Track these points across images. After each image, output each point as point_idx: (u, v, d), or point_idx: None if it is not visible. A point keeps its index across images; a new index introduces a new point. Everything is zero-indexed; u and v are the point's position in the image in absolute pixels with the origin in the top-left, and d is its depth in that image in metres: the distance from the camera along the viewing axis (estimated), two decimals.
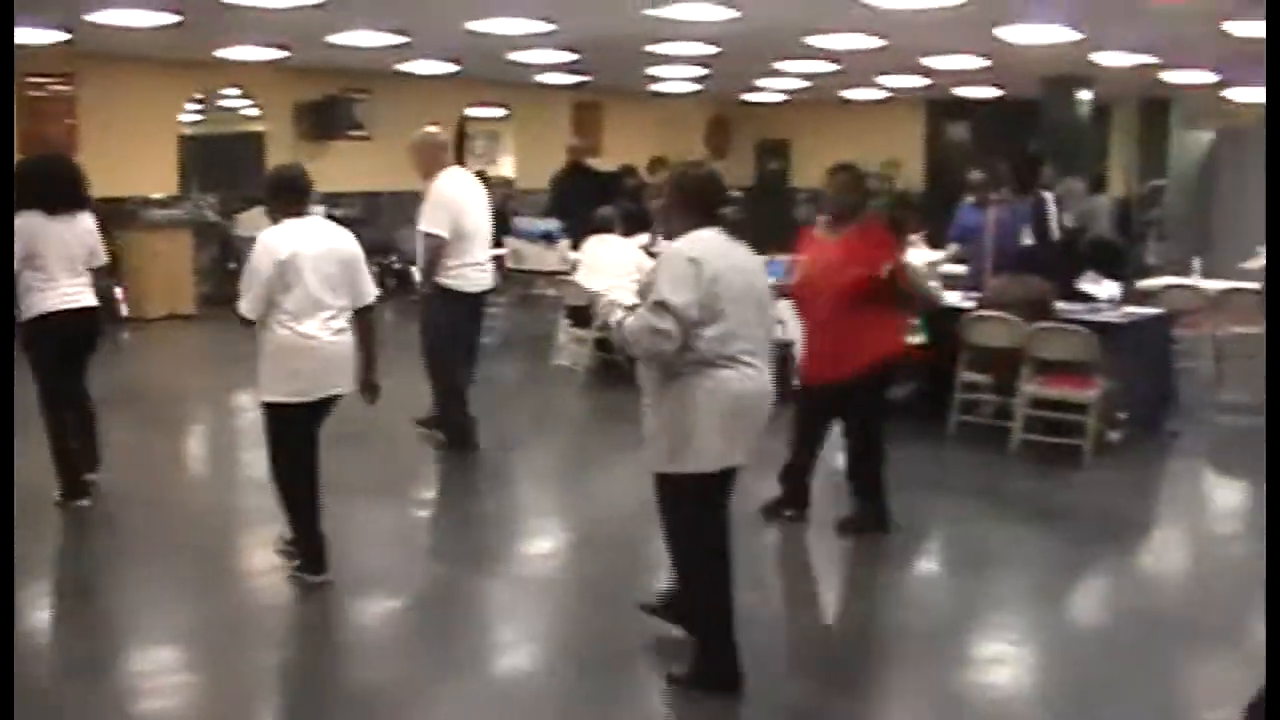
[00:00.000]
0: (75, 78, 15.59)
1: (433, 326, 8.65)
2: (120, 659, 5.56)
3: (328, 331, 6.02)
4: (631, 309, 4.80)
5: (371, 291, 6.27)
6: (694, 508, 4.92)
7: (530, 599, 6.22)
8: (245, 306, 5.98)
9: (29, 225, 7.04)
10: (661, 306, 4.64)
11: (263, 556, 6.59)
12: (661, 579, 5.63)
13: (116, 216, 15.64)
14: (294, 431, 6.11)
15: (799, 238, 7.40)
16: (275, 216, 6.16)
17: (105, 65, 15.39)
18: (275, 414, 6.08)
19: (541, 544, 7.27)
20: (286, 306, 5.93)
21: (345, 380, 6.16)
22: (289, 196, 6.16)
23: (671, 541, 5.03)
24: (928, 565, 7.19)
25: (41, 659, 5.52)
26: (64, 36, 13.28)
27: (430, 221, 8.41)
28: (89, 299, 7.34)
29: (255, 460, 7.04)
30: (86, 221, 7.42)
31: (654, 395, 4.88)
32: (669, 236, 5.08)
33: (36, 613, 6.11)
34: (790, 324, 7.58)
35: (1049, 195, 10.37)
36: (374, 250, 9.09)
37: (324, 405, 6.14)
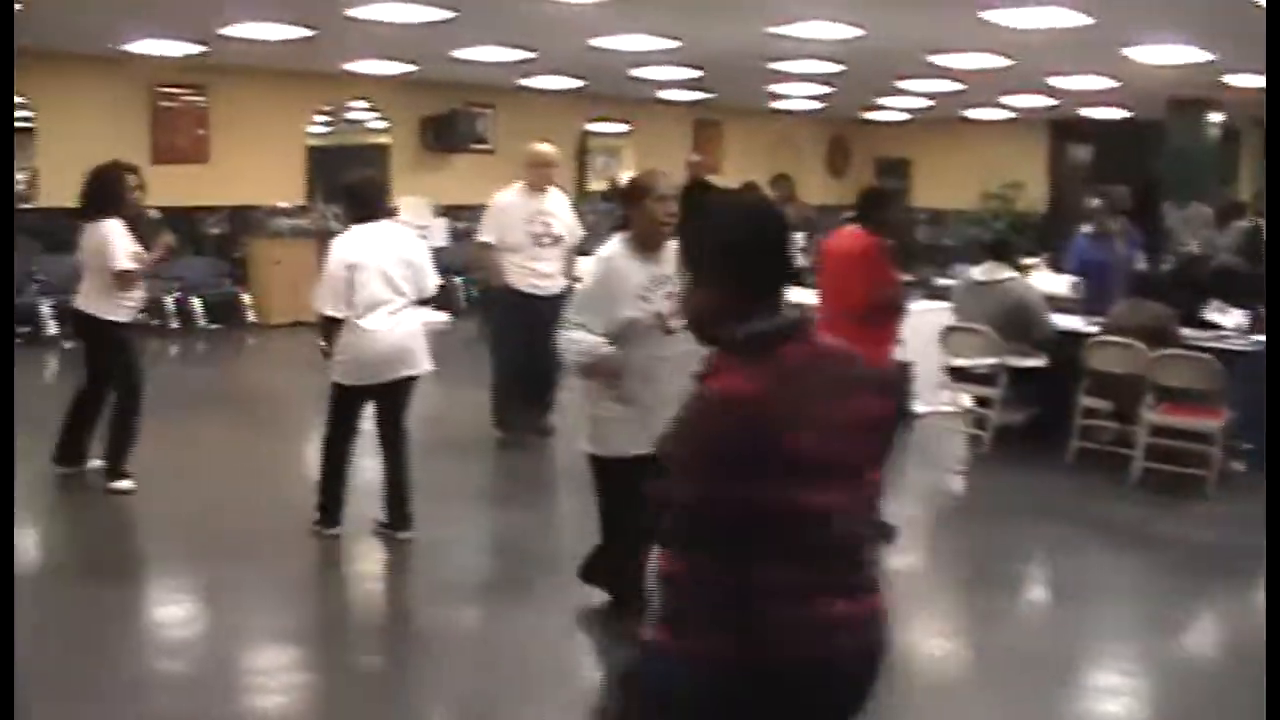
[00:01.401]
0: (207, 89, 15.95)
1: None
2: (238, 656, 5.66)
3: (391, 323, 6.63)
4: None
5: (433, 284, 6.93)
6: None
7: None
8: (326, 306, 6.61)
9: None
10: None
11: (370, 561, 6.72)
12: None
13: (244, 224, 16.03)
14: (350, 407, 6.86)
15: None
16: (347, 223, 6.83)
17: (236, 77, 15.73)
18: (340, 392, 6.83)
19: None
20: (355, 304, 6.54)
21: (411, 365, 6.79)
22: (358, 204, 6.83)
23: None
24: (1040, 592, 7.11)
25: (167, 654, 5.65)
26: (198, 49, 13.59)
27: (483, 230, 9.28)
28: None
29: (369, 467, 7.17)
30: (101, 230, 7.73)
31: None
32: None
33: (161, 610, 6.28)
34: (909, 344, 7.51)
35: (1168, 221, 10.24)
36: (481, 262, 9.32)
37: (393, 389, 6.79)
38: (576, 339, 5.17)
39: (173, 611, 6.29)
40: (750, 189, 15.93)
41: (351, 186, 6.99)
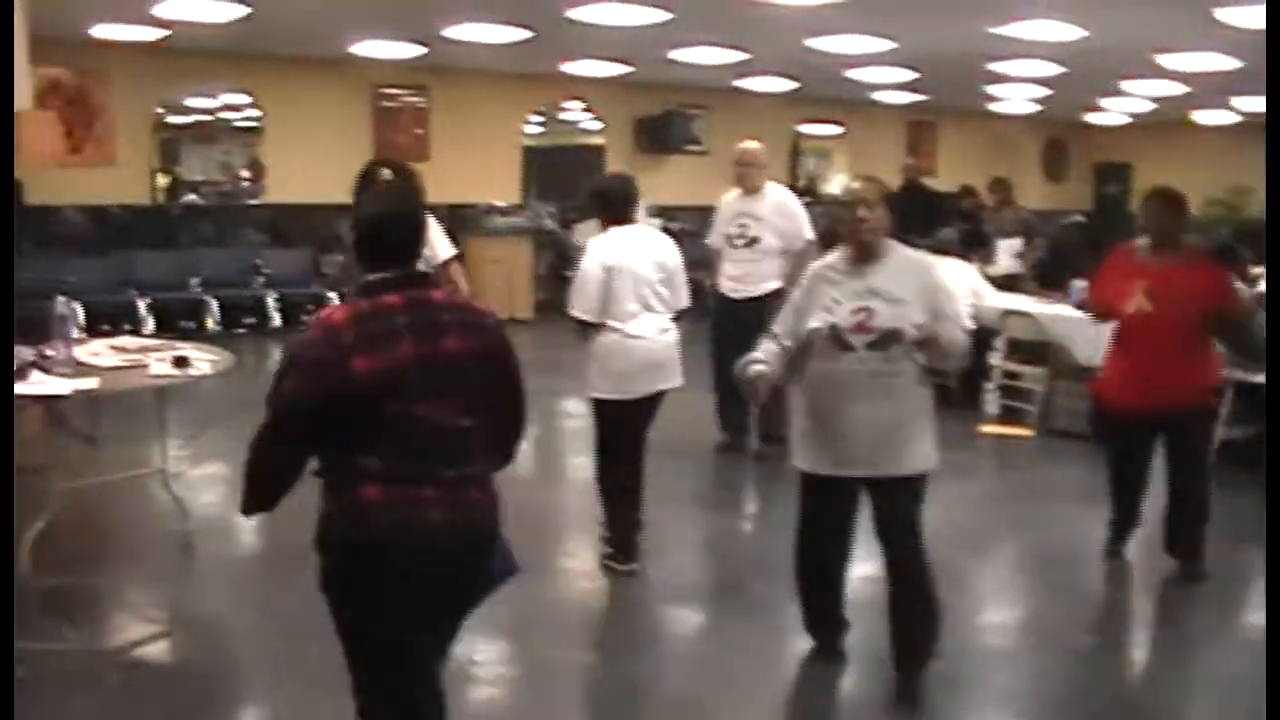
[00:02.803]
0: (427, 90, 16.31)
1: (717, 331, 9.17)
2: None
3: (652, 331, 6.34)
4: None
5: (685, 300, 6.58)
6: None
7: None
8: (579, 310, 6.33)
9: None
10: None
11: (585, 557, 6.77)
12: (982, 600, 5.52)
13: (460, 223, 16.34)
14: (617, 426, 6.46)
15: (1114, 256, 7.04)
16: (603, 225, 6.48)
17: (455, 78, 16.08)
18: (601, 409, 6.46)
19: (857, 567, 7.18)
20: (612, 310, 6.27)
21: (668, 378, 6.46)
22: (614, 207, 6.47)
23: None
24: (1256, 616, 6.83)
25: None
26: (420, 51, 13.91)
27: (812, 229, 8.92)
28: None
29: (581, 463, 7.21)
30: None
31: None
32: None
33: None
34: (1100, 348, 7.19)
35: None
36: (705, 264, 9.23)
37: (650, 402, 6.46)
38: (756, 351, 5.06)
39: None
40: (968, 194, 15.76)
41: (605, 189, 6.66)
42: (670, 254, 6.52)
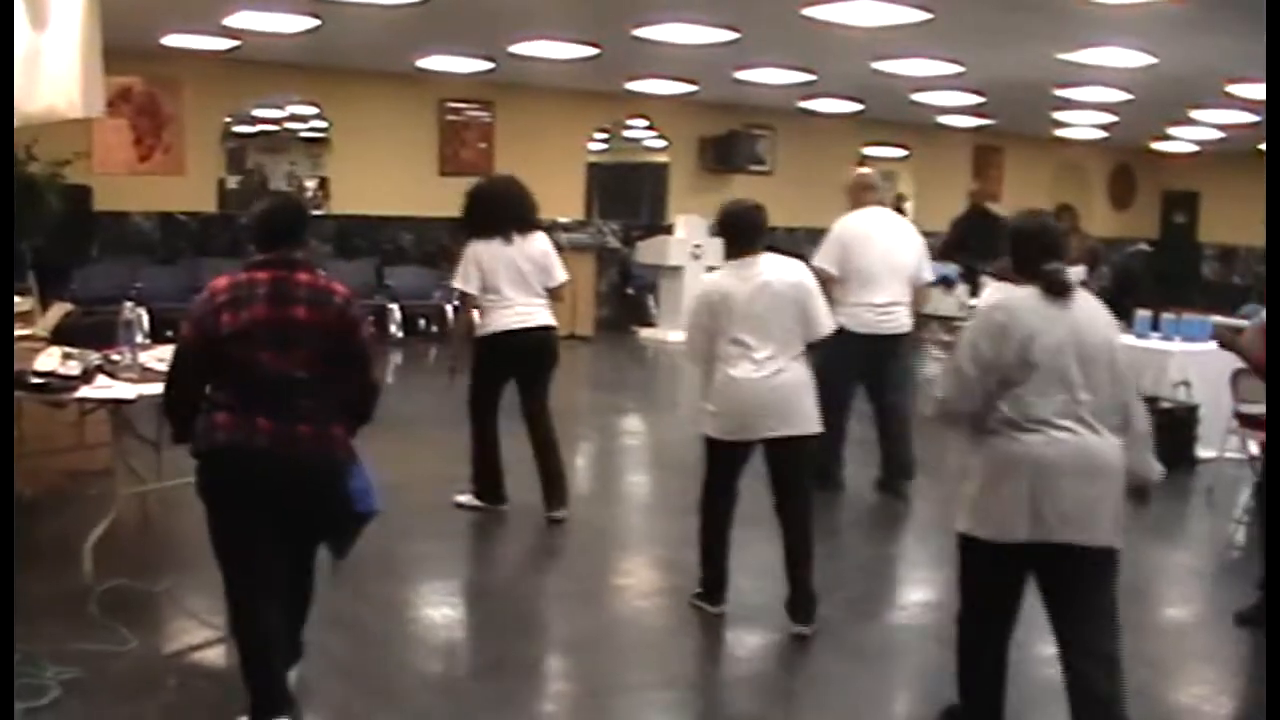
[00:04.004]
0: (493, 106, 16.40)
1: (819, 363, 8.62)
2: (505, 660, 5.75)
3: (761, 372, 5.81)
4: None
5: (825, 327, 6.03)
6: (986, 577, 4.56)
7: (909, 650, 6.10)
8: (686, 350, 6.15)
9: (477, 252, 7.53)
10: (958, 372, 4.46)
11: (646, 576, 6.75)
12: (1035, 632, 5.45)
13: None
14: (717, 466, 6.07)
15: None
16: (725, 257, 6.05)
17: (521, 94, 16.16)
18: (707, 447, 6.08)
19: (920, 594, 7.14)
20: (721, 347, 5.88)
21: (789, 422, 5.88)
22: (737, 236, 6.02)
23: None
24: None
25: (446, 655, 5.80)
26: (487, 66, 13.99)
27: (819, 256, 8.35)
28: (544, 318, 7.65)
29: (642, 482, 7.19)
30: (539, 243, 7.75)
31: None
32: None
33: (440, 610, 6.43)
34: (1197, 386, 7.11)
35: None
36: None
37: (779, 447, 5.93)
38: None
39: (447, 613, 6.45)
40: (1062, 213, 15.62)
41: (731, 216, 6.11)
42: (801, 286, 6.01)
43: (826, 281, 7.83)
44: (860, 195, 8.70)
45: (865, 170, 9.06)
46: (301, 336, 4.36)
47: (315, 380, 4.37)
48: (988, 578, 4.54)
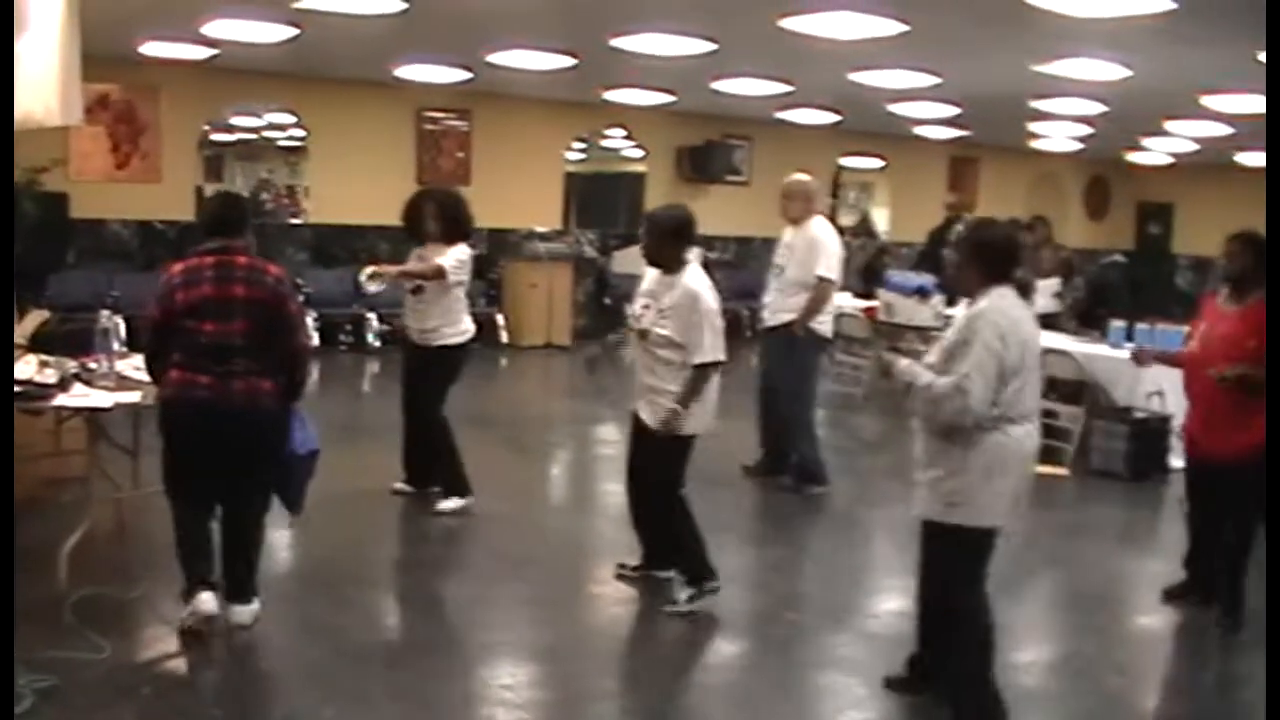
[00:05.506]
0: (470, 115, 16.41)
1: (800, 369, 8.81)
2: (483, 669, 5.76)
3: None
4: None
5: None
6: (971, 565, 4.89)
7: (880, 658, 6.12)
8: (717, 352, 6.21)
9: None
10: (962, 391, 4.65)
11: (619, 585, 6.76)
12: (1016, 639, 5.50)
13: (500, 246, 16.40)
14: (684, 463, 6.39)
15: (1200, 305, 7.01)
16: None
17: (499, 103, 16.16)
18: (683, 446, 6.33)
19: (894, 602, 7.16)
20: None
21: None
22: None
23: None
24: None
25: (417, 662, 5.80)
26: (465, 75, 13.99)
27: (829, 267, 8.67)
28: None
29: (617, 491, 7.21)
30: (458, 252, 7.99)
31: (937, 444, 4.89)
32: (966, 294, 4.98)
33: (410, 618, 6.44)
34: (1170, 396, 7.22)
35: None
36: (744, 294, 9.22)
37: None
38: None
39: (415, 620, 6.46)
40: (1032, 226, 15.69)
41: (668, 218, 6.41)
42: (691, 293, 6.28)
43: (827, 290, 8.64)
44: (815, 202, 9.06)
45: (806, 176, 9.14)
46: (240, 309, 5.43)
47: (250, 345, 5.43)
48: (983, 565, 4.90)
